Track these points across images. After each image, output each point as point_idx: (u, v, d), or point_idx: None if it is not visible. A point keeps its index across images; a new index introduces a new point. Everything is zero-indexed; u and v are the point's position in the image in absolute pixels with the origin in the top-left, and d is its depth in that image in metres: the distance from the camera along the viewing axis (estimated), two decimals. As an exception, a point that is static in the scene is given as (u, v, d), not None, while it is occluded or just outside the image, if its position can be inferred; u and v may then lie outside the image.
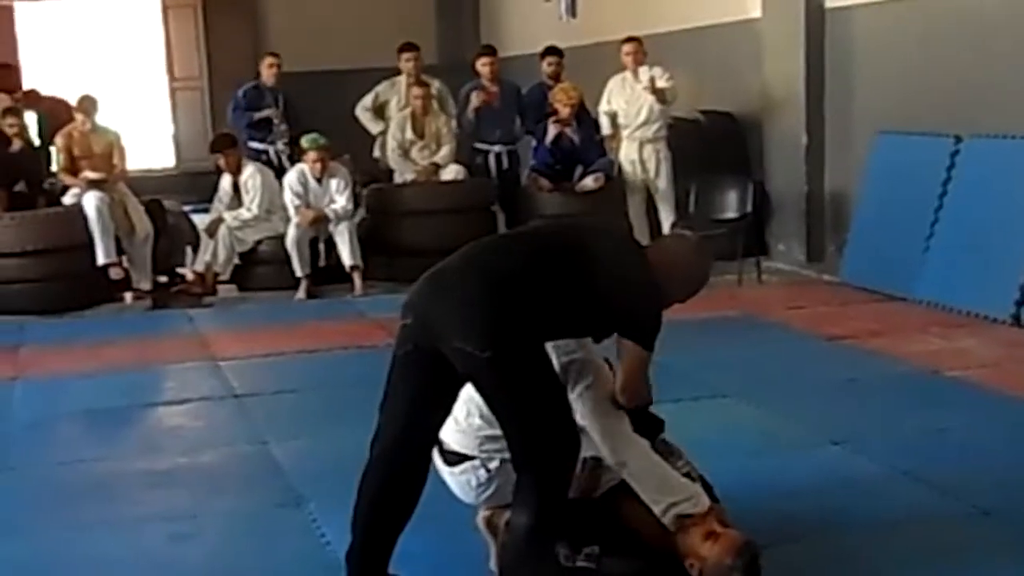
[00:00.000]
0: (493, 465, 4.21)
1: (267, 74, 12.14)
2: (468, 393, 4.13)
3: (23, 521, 5.28)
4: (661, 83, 10.67)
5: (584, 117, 11.20)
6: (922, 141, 9.35)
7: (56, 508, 5.44)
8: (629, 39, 11.06)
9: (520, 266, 4.02)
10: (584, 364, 4.25)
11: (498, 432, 4.08)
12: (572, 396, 4.16)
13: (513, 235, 4.35)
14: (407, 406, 4.08)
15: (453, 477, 4.32)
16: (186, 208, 11.84)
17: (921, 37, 9.52)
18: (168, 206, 11.25)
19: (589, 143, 11.13)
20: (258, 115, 11.94)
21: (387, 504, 4.14)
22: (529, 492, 3.96)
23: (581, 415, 4.15)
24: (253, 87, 12.22)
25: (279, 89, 12.17)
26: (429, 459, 4.19)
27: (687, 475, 4.37)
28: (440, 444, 4.30)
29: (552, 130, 11.07)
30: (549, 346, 4.13)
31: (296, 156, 11.82)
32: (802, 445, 5.91)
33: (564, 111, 10.98)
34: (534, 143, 11.47)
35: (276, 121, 12.00)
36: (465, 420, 4.20)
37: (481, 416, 4.17)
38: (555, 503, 3.98)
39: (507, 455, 4.09)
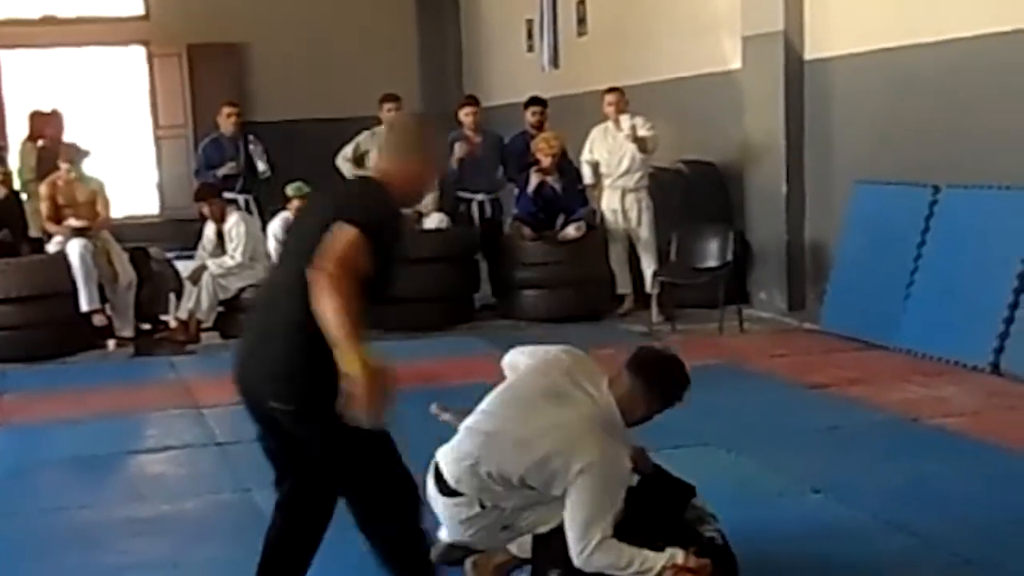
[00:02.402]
0: (487, 504, 4.25)
1: (225, 124, 12.16)
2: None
3: (5, 569, 5.28)
4: (642, 132, 10.74)
5: (566, 166, 11.26)
6: (901, 191, 9.43)
7: (38, 556, 5.44)
8: (611, 89, 11.15)
9: (298, 306, 3.80)
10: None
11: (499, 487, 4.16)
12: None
13: (276, 272, 4.27)
14: (280, 467, 4.20)
15: (446, 508, 4.36)
16: (170, 255, 11.85)
17: (898, 88, 9.61)
18: (152, 253, 11.26)
19: (571, 192, 11.19)
20: (221, 171, 11.95)
21: (281, 556, 4.20)
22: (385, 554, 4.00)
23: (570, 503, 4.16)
24: (212, 141, 12.26)
25: (239, 138, 12.17)
26: (322, 513, 4.19)
27: (711, 540, 4.41)
28: (439, 472, 4.34)
29: (534, 179, 11.13)
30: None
31: (264, 203, 11.92)
32: (784, 493, 5.95)
33: (545, 160, 11.04)
34: (516, 191, 11.53)
35: (236, 173, 12.01)
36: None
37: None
38: (414, 553, 4.01)
39: (503, 503, 4.19)
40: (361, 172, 11.96)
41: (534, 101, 11.90)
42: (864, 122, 10.04)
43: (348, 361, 3.61)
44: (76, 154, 10.77)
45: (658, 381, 4.45)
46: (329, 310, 3.64)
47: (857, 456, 6.54)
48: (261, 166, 12.30)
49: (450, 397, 8.15)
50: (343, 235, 3.72)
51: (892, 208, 9.51)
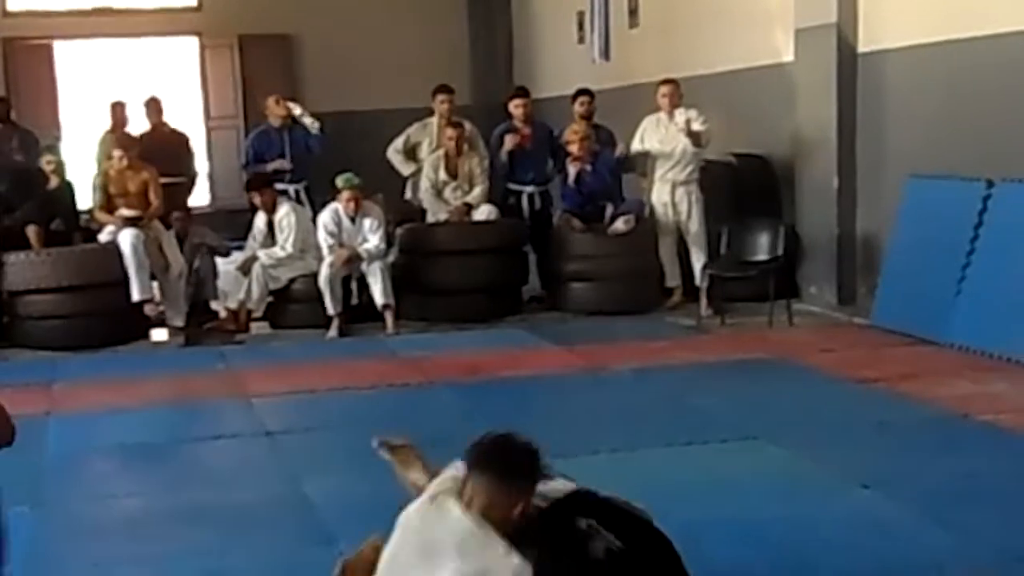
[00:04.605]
0: None
1: (275, 110, 12.17)
2: None
3: (53, 556, 5.31)
4: (696, 126, 10.69)
5: (604, 153, 11.27)
6: (954, 185, 9.34)
7: (86, 544, 5.47)
8: (666, 81, 11.12)
9: None
10: None
11: None
12: None
13: None
14: None
15: None
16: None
17: (952, 81, 9.52)
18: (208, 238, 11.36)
19: (608, 176, 11.21)
20: (271, 166, 11.95)
21: None
22: None
23: None
24: (260, 133, 12.26)
25: (285, 127, 12.18)
26: None
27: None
28: None
29: (571, 169, 11.12)
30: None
31: (313, 191, 11.98)
32: (832, 488, 5.90)
33: (574, 148, 11.04)
34: (561, 184, 11.52)
35: (286, 170, 12.02)
36: None
37: None
38: None
39: None
40: (412, 165, 12.01)
41: (582, 92, 11.83)
42: (917, 116, 9.95)
43: None
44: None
45: (507, 469, 3.81)
46: None
47: (907, 452, 6.50)
48: (308, 120, 12.19)
49: (497, 388, 8.21)
50: None
51: (945, 202, 9.43)
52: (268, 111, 12.24)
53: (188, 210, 12.17)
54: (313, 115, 12.16)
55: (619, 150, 11.31)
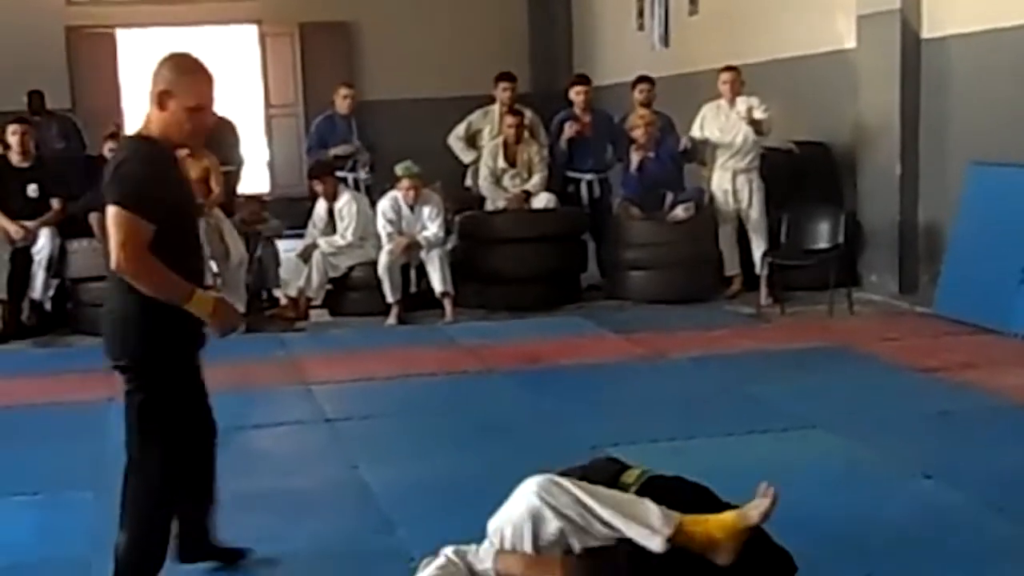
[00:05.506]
0: None
1: (341, 104, 12.23)
2: None
3: (112, 542, 5.34)
4: (758, 114, 10.62)
5: (666, 140, 11.21)
6: (1018, 172, 9.24)
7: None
8: (728, 68, 11.04)
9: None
10: None
11: None
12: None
13: None
14: None
15: None
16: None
17: (1017, 67, 9.41)
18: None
19: (670, 164, 11.17)
20: (335, 151, 12.00)
21: None
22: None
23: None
24: (326, 118, 12.33)
25: (351, 116, 12.24)
26: None
27: None
28: None
29: (635, 157, 11.08)
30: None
31: (375, 183, 11.99)
32: (894, 478, 5.85)
33: (638, 133, 11.00)
34: (622, 172, 11.48)
35: (349, 154, 12.07)
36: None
37: None
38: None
39: None
40: (473, 152, 12.00)
41: (642, 79, 11.81)
42: (982, 102, 9.85)
43: (197, 310, 4.39)
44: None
45: None
46: (151, 291, 4.24)
47: (969, 442, 6.43)
48: (363, 175, 12.31)
49: (555, 376, 8.20)
50: (111, 218, 4.18)
51: (1009, 190, 9.33)
52: (336, 100, 12.29)
53: (259, 199, 12.24)
54: (373, 102, 12.21)
55: (682, 143, 11.23)
